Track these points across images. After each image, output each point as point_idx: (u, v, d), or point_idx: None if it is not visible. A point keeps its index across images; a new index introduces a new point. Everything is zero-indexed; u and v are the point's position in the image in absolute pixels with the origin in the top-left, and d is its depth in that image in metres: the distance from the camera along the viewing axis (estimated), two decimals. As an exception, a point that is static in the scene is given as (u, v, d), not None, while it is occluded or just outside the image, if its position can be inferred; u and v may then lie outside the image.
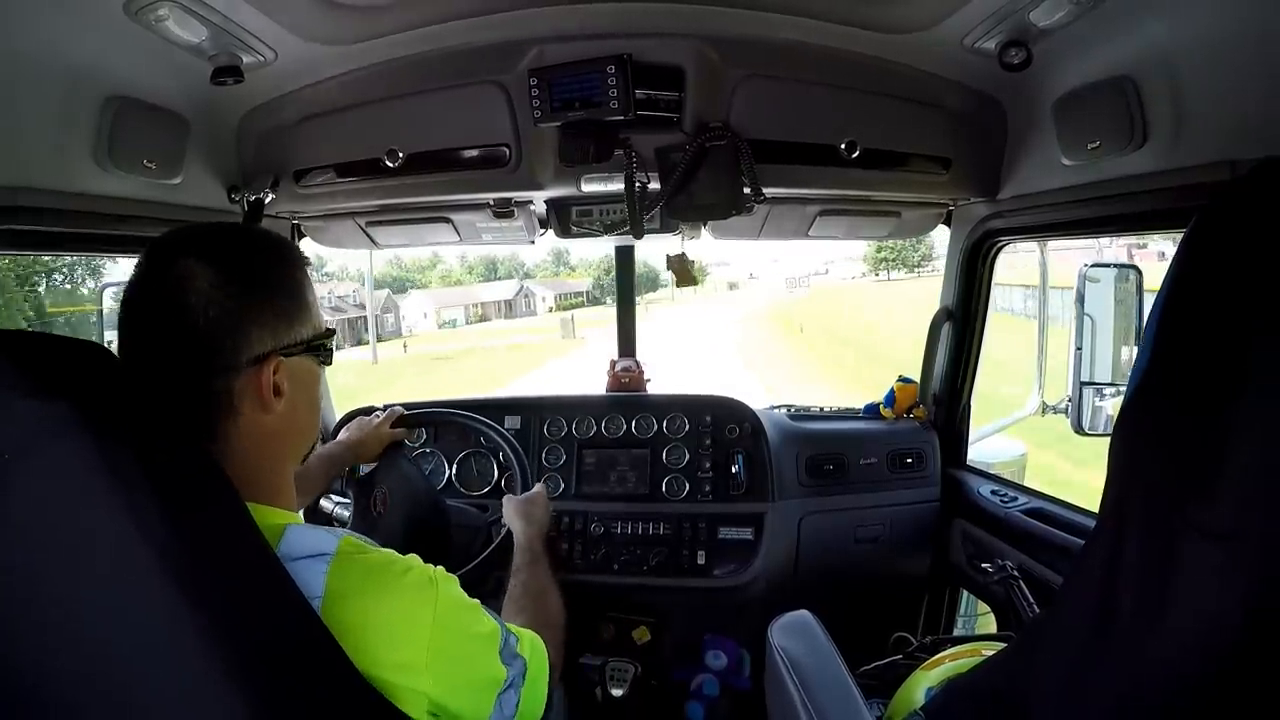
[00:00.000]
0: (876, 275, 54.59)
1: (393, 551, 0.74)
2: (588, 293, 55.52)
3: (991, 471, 1.89)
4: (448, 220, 1.69)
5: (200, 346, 0.68)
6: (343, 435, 1.47)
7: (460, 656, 0.73)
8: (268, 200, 1.45)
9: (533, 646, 0.86)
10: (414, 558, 0.74)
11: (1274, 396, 0.45)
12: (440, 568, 0.76)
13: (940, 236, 1.86)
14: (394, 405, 1.59)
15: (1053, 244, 1.82)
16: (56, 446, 0.52)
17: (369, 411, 1.87)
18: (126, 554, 0.53)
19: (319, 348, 0.78)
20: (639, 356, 2.03)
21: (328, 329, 0.80)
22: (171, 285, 0.68)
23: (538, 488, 1.44)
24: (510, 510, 1.35)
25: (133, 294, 0.70)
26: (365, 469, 1.47)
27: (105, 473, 0.52)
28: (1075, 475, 5.64)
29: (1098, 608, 0.54)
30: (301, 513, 1.02)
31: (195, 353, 0.68)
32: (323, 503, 1.49)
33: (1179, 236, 0.56)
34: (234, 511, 0.61)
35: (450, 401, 1.88)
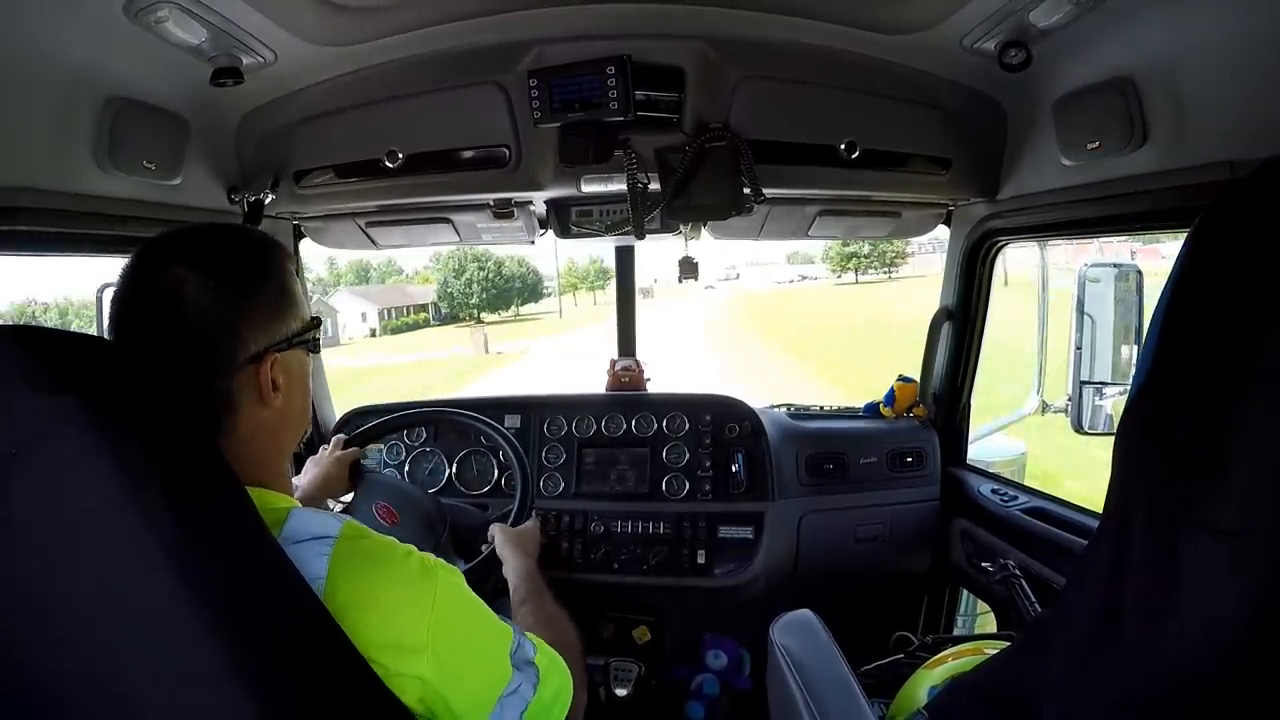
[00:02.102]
0: (839, 277, 46.59)
1: (393, 539, 0.75)
2: (433, 305, 41.51)
3: (991, 470, 1.89)
4: (448, 220, 1.69)
5: (197, 350, 0.70)
6: (304, 479, 1.42)
7: (463, 644, 0.73)
8: (268, 201, 1.45)
9: (552, 662, 0.83)
10: (413, 547, 0.76)
11: (1279, 394, 0.45)
12: (442, 560, 0.77)
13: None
14: (339, 434, 1.55)
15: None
16: (63, 440, 0.52)
17: (367, 412, 1.88)
18: (133, 547, 0.53)
19: (308, 339, 0.80)
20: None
21: (314, 318, 0.81)
22: (162, 292, 0.70)
23: (530, 523, 1.44)
24: (502, 541, 1.34)
25: (123, 300, 0.72)
26: (339, 504, 1.46)
27: (112, 466, 0.52)
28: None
29: (1103, 606, 0.54)
30: None
31: (192, 356, 0.70)
32: None
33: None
34: (238, 502, 0.62)
35: (437, 402, 1.88)
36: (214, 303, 0.70)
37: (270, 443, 0.77)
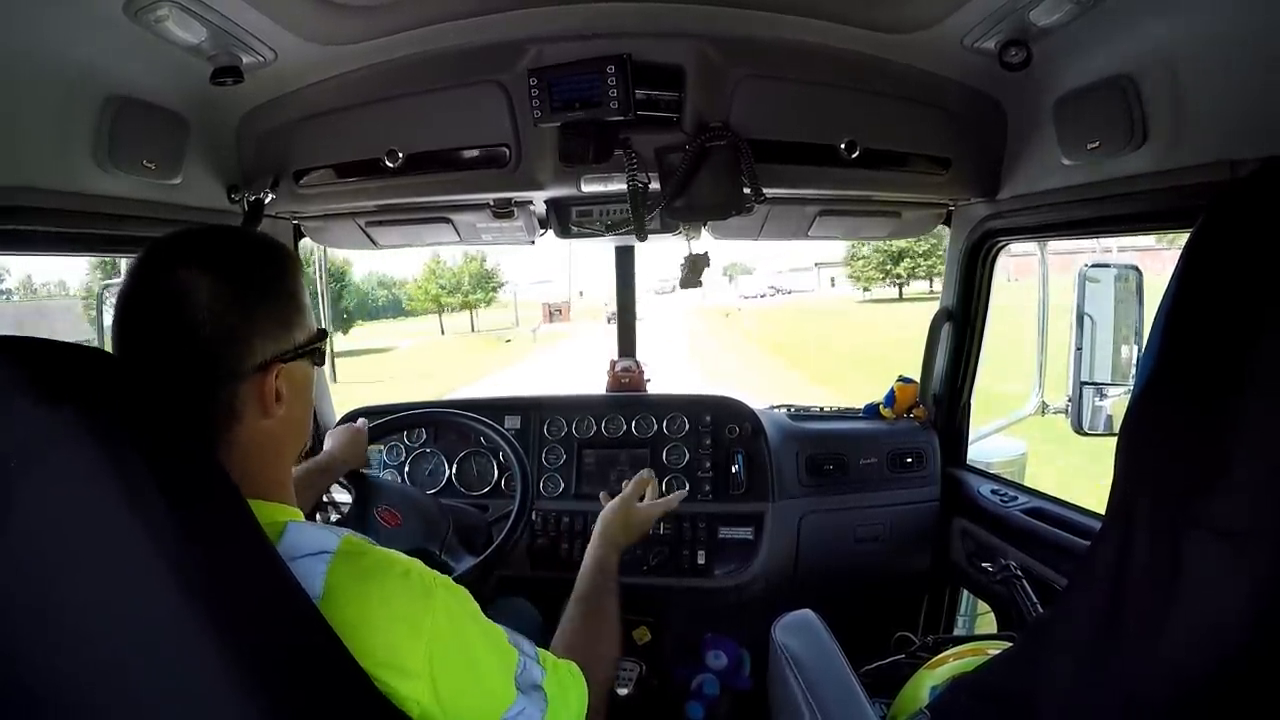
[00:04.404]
0: (865, 290, 34.58)
1: (395, 552, 0.73)
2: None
3: (991, 470, 1.89)
4: (448, 220, 1.69)
5: (203, 356, 0.68)
6: (329, 445, 1.44)
7: (462, 668, 0.71)
8: (268, 200, 1.45)
9: (562, 689, 0.80)
10: (415, 561, 0.73)
11: None
12: (446, 577, 0.75)
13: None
14: (362, 418, 1.55)
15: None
16: (62, 452, 0.51)
17: (366, 413, 1.88)
18: (134, 557, 0.52)
19: (314, 350, 0.78)
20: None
21: (320, 331, 0.80)
22: (171, 296, 0.68)
23: (644, 503, 1.30)
24: (607, 513, 1.23)
25: (129, 303, 0.70)
26: (344, 497, 1.45)
27: (112, 477, 0.52)
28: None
29: (1105, 606, 0.54)
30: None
31: (197, 362, 0.68)
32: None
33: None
34: (239, 512, 0.61)
35: (437, 402, 1.88)
36: (224, 308, 0.69)
37: (271, 454, 0.75)
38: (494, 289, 35.13)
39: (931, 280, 29.95)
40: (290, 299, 0.76)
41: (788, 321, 27.73)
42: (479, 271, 33.42)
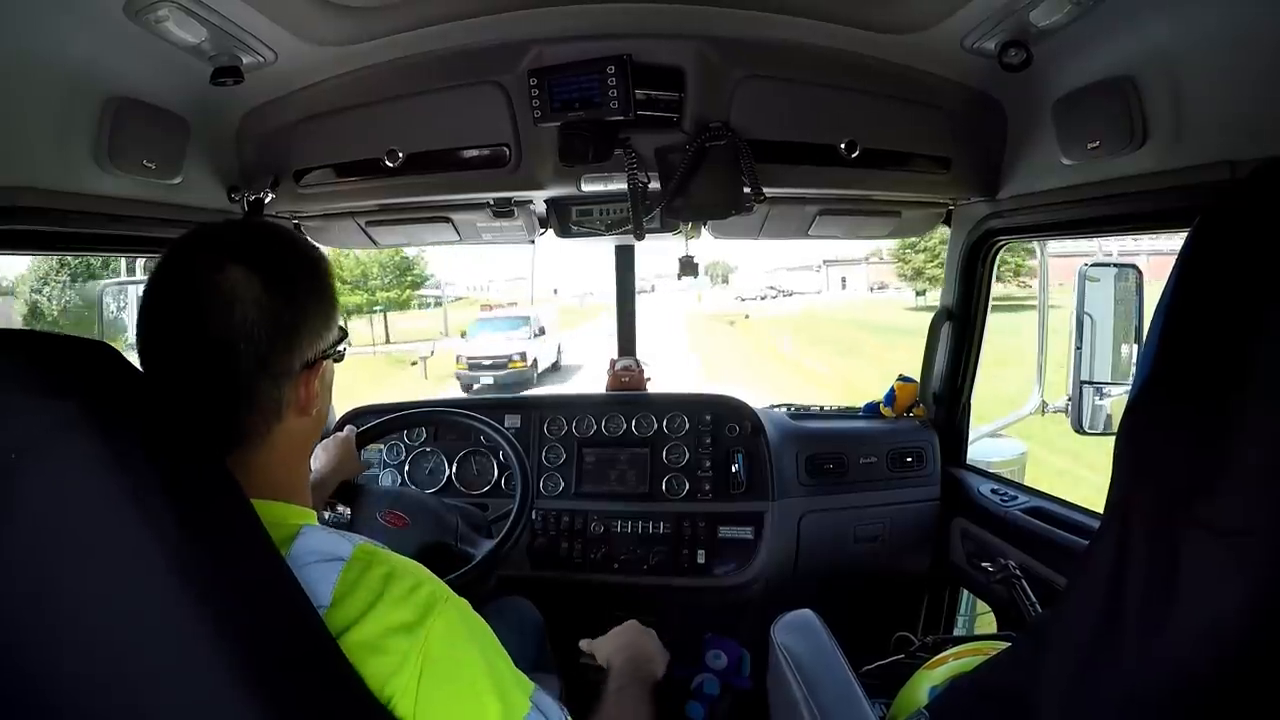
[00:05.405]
0: (920, 294, 25.89)
1: (410, 563, 0.71)
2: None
3: (991, 470, 1.90)
4: (448, 220, 1.69)
5: (250, 353, 0.67)
6: (318, 465, 1.37)
7: (447, 686, 0.66)
8: (267, 200, 1.45)
9: None
10: (429, 576, 0.70)
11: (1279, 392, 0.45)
12: (462, 600, 0.71)
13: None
14: (350, 425, 1.54)
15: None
16: (64, 446, 0.51)
17: (366, 412, 1.88)
18: (135, 553, 0.52)
19: (342, 348, 0.78)
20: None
21: (341, 328, 0.79)
22: (220, 294, 0.66)
23: (623, 633, 1.31)
24: (610, 644, 1.22)
25: (161, 300, 0.68)
26: (346, 512, 1.43)
27: (114, 472, 0.52)
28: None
29: (1104, 606, 0.54)
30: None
31: (244, 360, 0.67)
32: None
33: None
34: (243, 512, 0.61)
35: (435, 401, 1.88)
36: (280, 306, 0.68)
37: (300, 452, 0.75)
38: (411, 285, 24.79)
39: (1018, 275, 18.62)
40: (329, 295, 0.75)
41: (825, 336, 19.40)
42: (393, 261, 22.86)
